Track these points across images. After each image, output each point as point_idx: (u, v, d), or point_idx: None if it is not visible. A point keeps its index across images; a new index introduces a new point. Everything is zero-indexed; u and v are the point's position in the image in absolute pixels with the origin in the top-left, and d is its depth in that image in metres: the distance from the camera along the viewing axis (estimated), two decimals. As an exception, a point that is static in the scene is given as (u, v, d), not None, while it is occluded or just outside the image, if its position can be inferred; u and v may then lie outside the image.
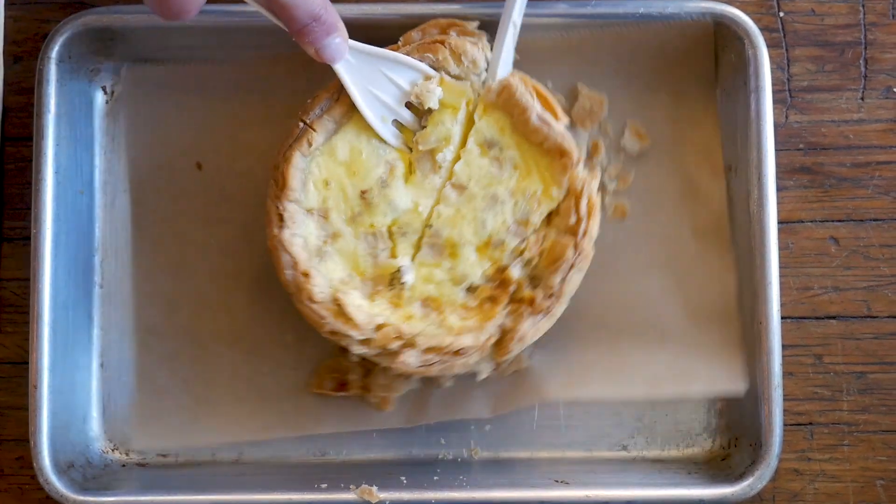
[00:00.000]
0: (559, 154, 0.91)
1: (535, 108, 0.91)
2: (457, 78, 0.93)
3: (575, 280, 0.91)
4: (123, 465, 0.99)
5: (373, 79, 0.91)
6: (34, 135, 0.96)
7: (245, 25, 0.97)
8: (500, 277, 0.92)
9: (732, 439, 0.99)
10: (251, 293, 0.99)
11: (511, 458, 0.99)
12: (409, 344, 0.90)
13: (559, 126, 0.91)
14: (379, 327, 0.90)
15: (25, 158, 1.01)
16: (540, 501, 0.94)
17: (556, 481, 0.96)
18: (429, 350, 0.90)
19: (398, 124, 0.94)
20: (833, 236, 1.01)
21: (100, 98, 1.01)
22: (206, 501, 0.94)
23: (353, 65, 0.90)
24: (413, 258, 0.93)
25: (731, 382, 0.97)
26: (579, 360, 0.97)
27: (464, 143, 0.93)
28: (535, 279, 0.92)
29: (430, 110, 0.92)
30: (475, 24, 0.95)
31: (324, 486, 0.95)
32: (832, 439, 1.00)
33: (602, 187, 0.99)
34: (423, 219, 0.93)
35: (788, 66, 1.02)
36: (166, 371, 0.98)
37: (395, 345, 0.89)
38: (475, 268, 0.92)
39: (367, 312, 0.91)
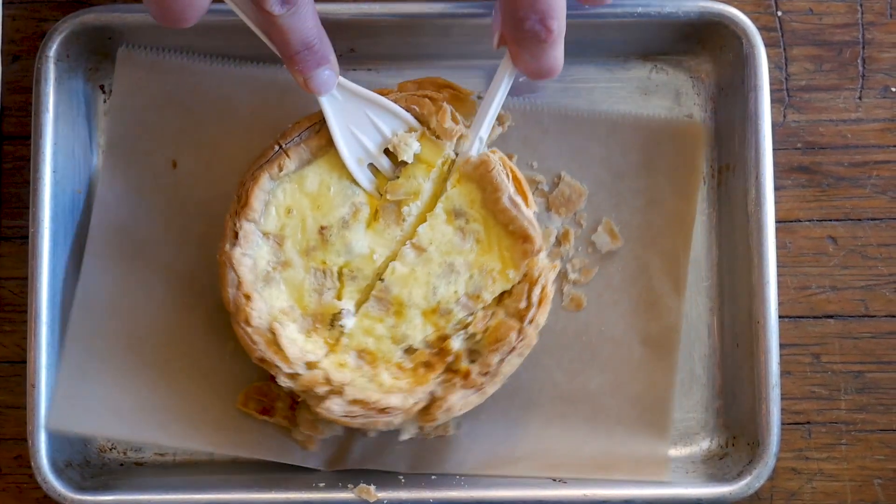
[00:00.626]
0: (523, 239, 0.91)
1: (508, 190, 0.91)
2: (437, 137, 0.93)
3: (513, 363, 0.91)
4: (121, 465, 0.99)
5: (356, 119, 0.91)
6: (32, 134, 0.96)
7: (244, 26, 0.97)
8: (440, 346, 0.91)
9: (730, 438, 0.99)
10: (199, 299, 0.98)
11: (509, 457, 0.99)
12: (337, 391, 0.89)
13: (528, 212, 0.91)
14: (309, 365, 0.90)
15: (23, 157, 1.01)
16: (538, 500, 0.94)
17: (554, 480, 0.96)
18: (355, 402, 0.89)
19: (374, 169, 0.93)
20: (831, 235, 1.01)
21: (98, 97, 1.01)
22: (203, 500, 0.94)
23: (338, 101, 0.90)
24: (358, 307, 0.92)
25: (655, 473, 0.96)
26: (506, 438, 0.97)
27: (432, 205, 0.93)
28: (473, 353, 0.92)
29: (404, 162, 0.92)
30: (474, 94, 0.95)
31: (322, 485, 0.95)
32: (830, 438, 1.00)
33: (563, 275, 0.99)
34: (375, 267, 0.92)
35: (786, 65, 1.02)
36: (95, 354, 0.96)
37: (321, 389, 0.89)
38: (418, 331, 0.92)
39: (300, 347, 0.90)
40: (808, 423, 1.00)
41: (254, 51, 0.98)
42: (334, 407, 0.89)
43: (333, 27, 0.98)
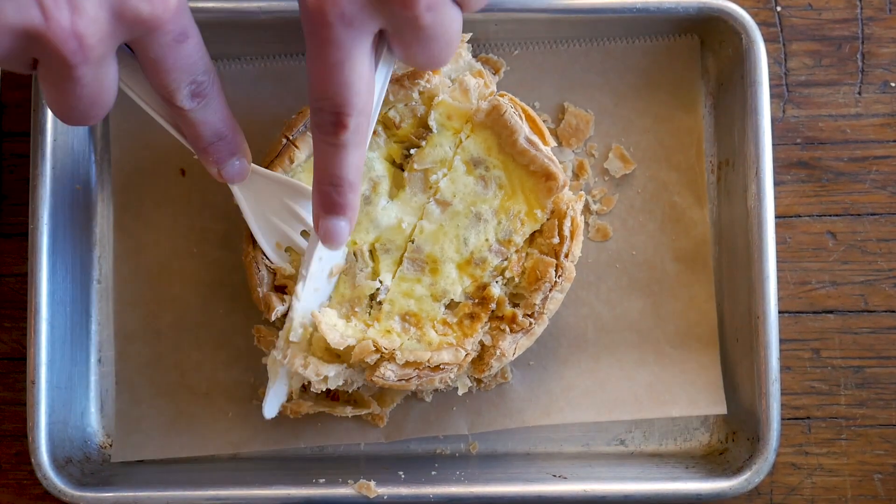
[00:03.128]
0: (545, 177, 0.91)
1: (524, 130, 0.91)
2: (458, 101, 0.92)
3: (557, 299, 0.92)
4: (121, 461, 0.99)
5: (271, 205, 0.90)
6: (32, 130, 0.96)
7: (242, 22, 0.97)
8: (480, 295, 0.92)
9: (730, 434, 0.99)
10: (232, 302, 0.99)
11: (508, 452, 0.99)
12: (388, 358, 0.90)
13: (546, 149, 0.92)
14: (349, 348, 0.90)
15: (23, 154, 1.01)
16: (538, 496, 0.94)
17: (554, 476, 0.96)
18: (407, 364, 0.90)
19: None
20: (830, 231, 1.01)
21: (97, 93, 1.01)
22: (204, 497, 0.94)
23: (252, 188, 0.89)
24: (394, 274, 0.93)
25: (711, 404, 0.97)
26: (559, 380, 0.98)
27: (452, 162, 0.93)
28: (515, 297, 0.92)
29: (429, 129, 0.93)
30: (467, 35, 0.95)
31: (322, 481, 0.95)
32: (830, 433, 1.00)
33: (586, 208, 0.99)
34: (406, 236, 0.92)
35: (785, 60, 1.02)
36: (145, 380, 0.98)
37: (372, 358, 0.89)
38: (456, 284, 0.92)
39: (340, 333, 0.91)
40: (808, 418, 1.00)
41: (245, 48, 0.98)
42: (388, 373, 0.89)
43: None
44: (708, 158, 1.01)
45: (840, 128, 1.02)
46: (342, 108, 0.79)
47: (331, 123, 0.79)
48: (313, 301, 0.90)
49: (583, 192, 0.95)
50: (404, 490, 0.94)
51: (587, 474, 0.96)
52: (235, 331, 0.99)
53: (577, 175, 1.00)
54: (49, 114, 0.96)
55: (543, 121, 0.98)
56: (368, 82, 0.80)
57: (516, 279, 0.92)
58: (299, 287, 0.89)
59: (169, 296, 0.99)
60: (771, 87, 0.98)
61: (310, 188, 0.89)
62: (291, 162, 0.91)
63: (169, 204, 1.00)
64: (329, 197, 0.83)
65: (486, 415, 0.98)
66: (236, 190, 0.89)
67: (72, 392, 0.97)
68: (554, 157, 0.92)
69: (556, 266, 0.91)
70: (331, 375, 0.89)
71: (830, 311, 1.01)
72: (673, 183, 1.00)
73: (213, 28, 0.98)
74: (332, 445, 0.99)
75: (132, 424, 0.98)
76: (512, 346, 0.91)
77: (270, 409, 0.91)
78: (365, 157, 0.84)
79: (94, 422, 0.99)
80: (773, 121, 1.00)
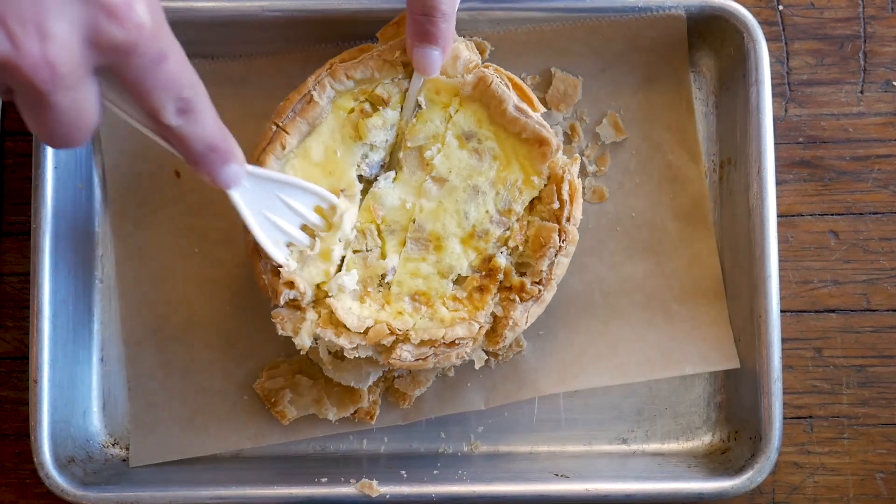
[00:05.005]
0: (538, 143, 0.91)
1: (512, 99, 0.91)
2: (447, 76, 0.92)
3: (563, 264, 0.92)
4: (124, 460, 0.99)
5: (269, 203, 0.90)
6: (34, 130, 0.96)
7: (240, 20, 0.97)
8: (487, 267, 0.92)
9: (732, 433, 0.99)
10: (238, 299, 0.99)
11: (511, 452, 0.99)
12: (403, 339, 0.90)
13: (536, 115, 0.92)
14: (368, 329, 0.90)
15: (25, 153, 1.01)
16: (540, 495, 0.94)
17: (556, 475, 0.96)
18: (422, 343, 0.90)
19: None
20: (832, 230, 1.01)
21: (99, 93, 1.01)
22: (206, 496, 0.94)
23: (248, 190, 0.88)
24: (399, 255, 0.93)
25: (723, 359, 0.97)
26: (570, 347, 0.98)
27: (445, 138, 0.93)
28: (522, 266, 0.93)
29: (419, 106, 0.92)
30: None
31: (324, 480, 0.95)
32: (832, 432, 1.00)
33: (581, 169, 0.99)
34: (409, 215, 0.93)
35: (788, 59, 1.02)
36: (157, 383, 0.98)
37: (388, 340, 0.90)
38: (461, 259, 0.92)
39: (357, 315, 0.91)
40: (810, 417, 1.00)
41: (235, 47, 0.98)
42: (404, 354, 0.90)
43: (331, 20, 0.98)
44: (710, 157, 1.01)
45: (842, 127, 1.02)
46: None
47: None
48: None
49: (577, 155, 0.94)
50: (406, 489, 0.95)
51: (589, 473, 0.96)
52: (243, 327, 0.99)
53: (569, 138, 1.00)
54: (51, 113, 0.96)
55: (532, 89, 0.98)
56: None
57: (520, 248, 0.92)
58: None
59: (174, 298, 0.99)
60: (773, 86, 0.98)
61: (302, 181, 0.90)
62: (283, 148, 0.91)
63: (166, 206, 1.00)
64: (421, 26, 0.86)
65: (500, 388, 0.98)
66: (233, 194, 0.88)
67: (74, 391, 0.97)
68: (545, 123, 0.92)
69: (559, 231, 0.91)
70: (362, 345, 0.90)
71: (832, 311, 1.01)
72: (666, 142, 1.00)
73: (214, 27, 0.98)
74: (334, 444, 0.99)
75: (147, 428, 0.98)
76: (524, 315, 0.91)
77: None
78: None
79: (96, 421, 0.99)
80: (775, 120, 1.00)
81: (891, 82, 1.02)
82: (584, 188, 0.99)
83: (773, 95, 0.98)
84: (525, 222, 0.92)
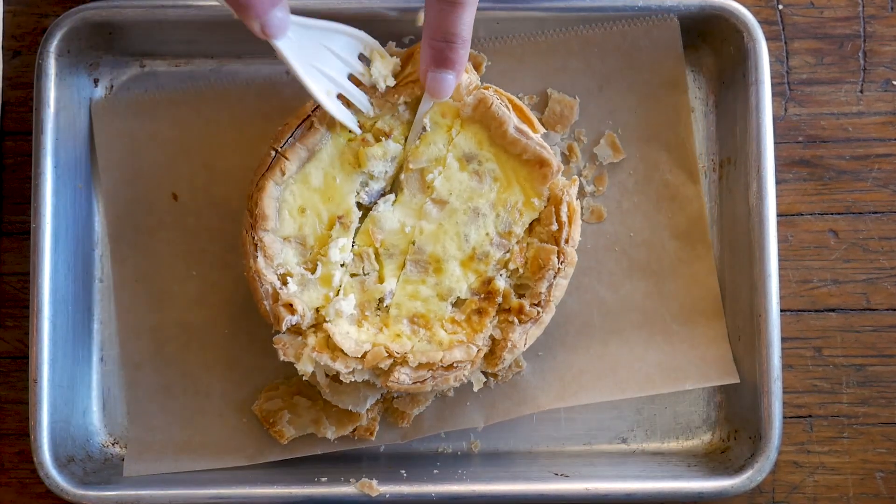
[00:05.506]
0: (539, 164, 0.91)
1: (512, 120, 0.91)
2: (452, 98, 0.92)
3: (561, 286, 0.92)
4: (123, 460, 0.99)
5: (315, 53, 0.89)
6: (33, 129, 0.96)
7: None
8: (486, 290, 0.92)
9: (732, 432, 0.99)
10: (236, 322, 0.99)
11: (511, 451, 0.99)
12: (401, 361, 0.90)
13: (537, 136, 0.92)
14: (365, 353, 0.90)
15: (25, 153, 1.01)
16: (539, 494, 0.94)
17: (556, 474, 0.96)
18: (420, 366, 0.90)
19: (347, 102, 0.92)
20: (832, 229, 1.01)
21: (99, 92, 1.01)
22: (206, 495, 0.94)
23: (293, 41, 0.87)
24: (398, 278, 0.92)
25: (723, 375, 0.97)
26: (569, 368, 0.98)
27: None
28: (520, 288, 0.92)
29: (424, 128, 0.92)
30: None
31: (324, 479, 0.95)
32: (832, 432, 1.00)
33: (580, 190, 0.99)
34: (408, 238, 0.92)
35: (787, 58, 1.02)
36: (157, 406, 0.98)
37: (385, 363, 0.89)
38: (461, 282, 0.92)
39: (354, 339, 0.90)
40: (810, 416, 1.00)
41: (236, 46, 0.98)
42: (402, 377, 0.89)
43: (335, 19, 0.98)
44: (710, 156, 1.01)
45: (842, 126, 1.02)
46: None
47: None
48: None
49: (576, 177, 0.94)
50: (406, 489, 0.95)
51: (589, 473, 0.96)
52: (241, 350, 0.99)
53: (566, 159, 1.00)
54: (50, 113, 0.96)
55: (530, 109, 0.98)
56: None
57: (520, 270, 0.92)
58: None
59: (172, 321, 0.99)
60: (773, 85, 0.98)
61: (346, 26, 0.90)
62: (283, 174, 0.91)
63: (163, 230, 0.99)
64: (441, 52, 0.88)
65: (499, 406, 0.98)
66: (280, 46, 0.86)
67: (74, 391, 0.97)
68: (545, 144, 0.92)
69: (558, 252, 0.91)
70: (358, 369, 0.89)
71: (832, 310, 1.01)
72: (664, 161, 1.00)
73: (214, 27, 0.98)
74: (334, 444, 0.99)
75: (145, 446, 0.98)
76: (522, 337, 0.91)
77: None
78: (474, 18, 0.86)
79: (96, 420, 0.99)
80: (775, 119, 1.00)
81: (890, 81, 1.02)
82: (582, 208, 0.99)
83: (773, 95, 0.98)
84: (525, 244, 0.92)
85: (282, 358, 0.91)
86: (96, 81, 1.01)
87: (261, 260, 0.91)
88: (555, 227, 0.91)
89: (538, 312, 0.91)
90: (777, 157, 0.98)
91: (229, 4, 0.84)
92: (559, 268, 0.91)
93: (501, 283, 0.92)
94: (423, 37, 0.88)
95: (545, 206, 0.92)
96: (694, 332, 0.98)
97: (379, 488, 0.94)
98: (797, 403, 1.00)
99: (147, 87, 1.01)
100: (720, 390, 1.00)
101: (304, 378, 0.91)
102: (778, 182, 0.99)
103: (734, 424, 0.98)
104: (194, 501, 0.94)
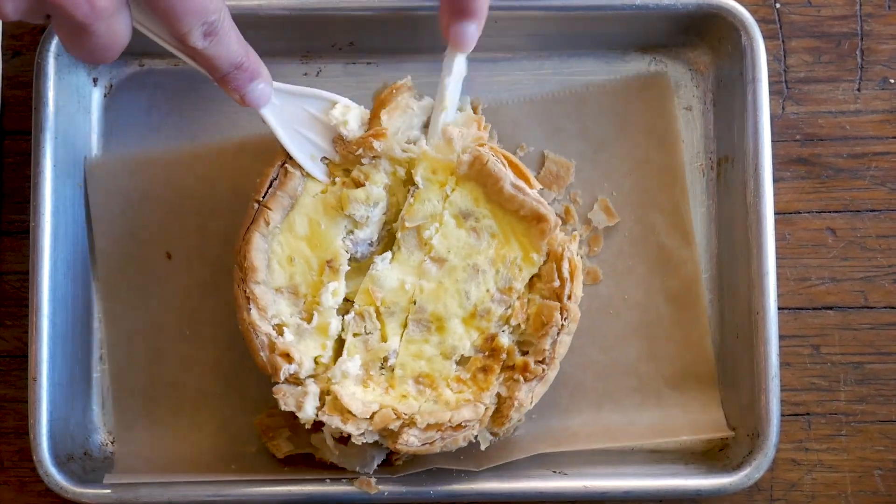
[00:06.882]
0: (536, 220, 0.91)
1: (509, 177, 0.91)
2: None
3: (565, 342, 0.91)
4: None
5: (298, 118, 0.91)
6: (33, 128, 0.96)
7: (239, 19, 0.97)
8: (489, 346, 0.91)
9: (730, 429, 0.99)
10: (230, 381, 0.98)
11: (509, 449, 0.99)
12: (409, 423, 0.89)
13: (534, 192, 0.91)
14: (373, 414, 0.89)
15: (24, 152, 1.01)
16: (538, 492, 0.95)
17: (554, 472, 0.96)
18: (429, 427, 0.89)
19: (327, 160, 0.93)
20: (830, 227, 1.01)
21: (98, 92, 1.01)
22: (205, 494, 0.94)
23: (277, 107, 0.90)
24: (401, 337, 0.92)
25: (715, 430, 0.98)
26: (563, 431, 0.98)
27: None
28: (524, 345, 0.92)
29: (416, 186, 0.92)
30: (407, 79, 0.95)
31: (324, 479, 0.95)
32: (830, 429, 1.00)
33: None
34: (408, 296, 0.92)
35: (785, 57, 1.02)
36: (143, 462, 0.97)
37: (395, 425, 0.89)
38: (463, 339, 0.91)
39: (361, 401, 0.90)
40: (808, 414, 1.00)
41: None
42: (411, 439, 0.89)
43: (333, 20, 0.98)
44: (707, 155, 1.01)
45: (839, 124, 1.02)
46: None
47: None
48: (452, 112, 0.93)
49: (576, 233, 0.94)
50: (404, 487, 0.95)
51: (587, 471, 0.96)
52: (235, 412, 0.98)
53: (563, 220, 1.00)
54: (50, 111, 0.96)
55: (523, 160, 0.98)
56: None
57: (522, 326, 0.91)
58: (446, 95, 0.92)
59: (165, 381, 0.99)
60: (770, 83, 0.98)
61: (326, 92, 0.91)
62: (268, 224, 0.90)
63: (157, 287, 0.99)
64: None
65: (493, 455, 0.96)
66: (265, 113, 0.90)
67: (73, 389, 0.97)
68: (542, 199, 0.91)
69: (561, 309, 0.90)
70: (368, 430, 0.89)
71: (830, 308, 1.01)
72: (659, 224, 1.00)
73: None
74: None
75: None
76: (528, 395, 0.90)
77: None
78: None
79: (95, 419, 0.99)
80: (773, 117, 1.00)
81: (888, 80, 1.02)
82: None
83: (771, 93, 0.98)
84: (526, 300, 0.92)
85: (283, 407, 0.90)
86: (95, 81, 1.01)
87: (254, 312, 0.90)
88: (557, 283, 0.91)
89: (543, 370, 0.90)
90: (775, 156, 0.98)
91: (212, 77, 0.86)
92: (563, 324, 0.90)
93: (505, 340, 0.91)
94: None
95: (545, 262, 0.92)
96: (687, 398, 0.98)
97: (377, 486, 0.94)
98: (795, 401, 1.00)
99: (146, 86, 1.01)
100: (719, 387, 0.99)
101: (306, 426, 0.91)
102: (776, 180, 0.99)
103: (732, 422, 0.98)
104: (195, 500, 0.94)
